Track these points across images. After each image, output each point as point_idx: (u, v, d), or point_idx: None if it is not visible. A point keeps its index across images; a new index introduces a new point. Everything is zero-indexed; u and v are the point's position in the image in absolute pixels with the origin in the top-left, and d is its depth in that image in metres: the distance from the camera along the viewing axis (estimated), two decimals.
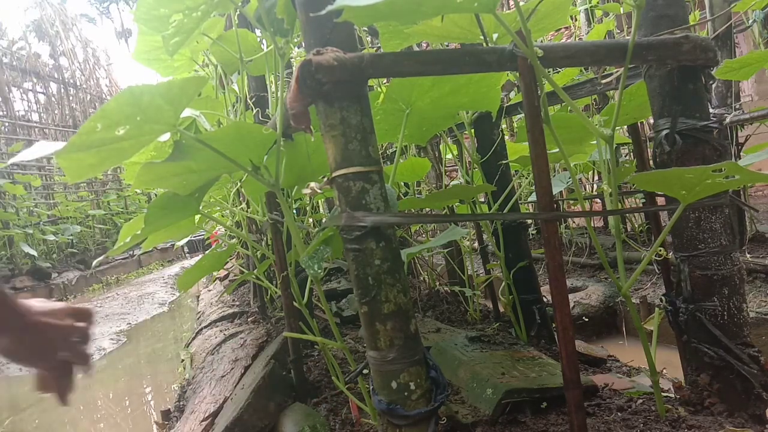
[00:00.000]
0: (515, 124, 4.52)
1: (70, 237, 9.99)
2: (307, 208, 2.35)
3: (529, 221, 3.05)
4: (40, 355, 0.86)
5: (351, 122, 0.84)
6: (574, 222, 4.33)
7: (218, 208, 2.65)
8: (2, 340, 0.83)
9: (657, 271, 1.25)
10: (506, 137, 2.32)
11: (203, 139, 0.97)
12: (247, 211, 2.14)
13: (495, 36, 1.12)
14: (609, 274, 1.25)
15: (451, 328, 1.89)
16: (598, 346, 1.80)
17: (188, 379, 2.49)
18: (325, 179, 0.92)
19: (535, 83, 0.87)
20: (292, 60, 2.29)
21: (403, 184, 2.38)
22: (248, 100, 1.79)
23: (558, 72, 2.69)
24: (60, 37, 13.69)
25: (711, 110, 1.07)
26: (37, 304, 0.84)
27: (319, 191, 1.19)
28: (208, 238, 5.76)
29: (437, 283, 2.62)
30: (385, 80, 1.95)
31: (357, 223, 0.83)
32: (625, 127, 1.74)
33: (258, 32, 1.79)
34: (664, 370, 1.54)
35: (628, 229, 3.97)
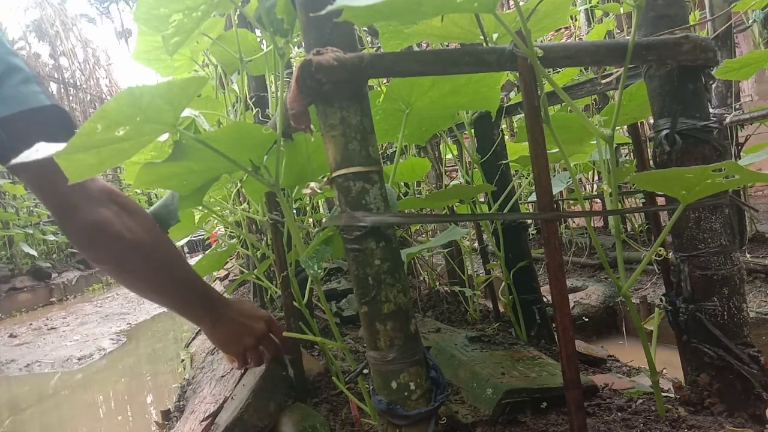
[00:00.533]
0: (515, 124, 4.53)
1: None
2: (307, 208, 2.35)
3: (529, 221, 3.04)
4: (226, 344, 1.13)
5: (351, 122, 0.84)
6: (574, 222, 4.33)
7: (218, 208, 2.65)
8: (204, 326, 1.09)
9: (657, 271, 1.25)
10: (506, 137, 2.32)
11: (203, 139, 0.97)
12: (247, 211, 2.14)
13: (495, 36, 1.12)
14: (609, 274, 1.25)
15: (451, 328, 1.89)
16: (598, 346, 1.80)
17: (188, 379, 2.49)
18: (325, 179, 0.92)
19: (535, 83, 0.87)
20: (292, 60, 2.30)
21: (403, 184, 2.38)
22: (248, 100, 1.79)
23: (558, 72, 2.69)
24: (60, 37, 13.69)
25: (711, 110, 1.07)
26: (243, 306, 1.16)
27: (319, 191, 1.19)
28: (208, 238, 5.76)
29: (437, 283, 2.62)
30: (385, 80, 1.95)
31: (357, 223, 0.83)
32: (625, 127, 1.74)
33: (258, 32, 1.80)
34: (664, 370, 1.54)
35: (628, 229, 3.97)
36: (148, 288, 1.12)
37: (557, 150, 1.02)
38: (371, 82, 1.91)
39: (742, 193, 3.09)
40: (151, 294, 1.12)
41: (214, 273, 4.62)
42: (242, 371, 1.79)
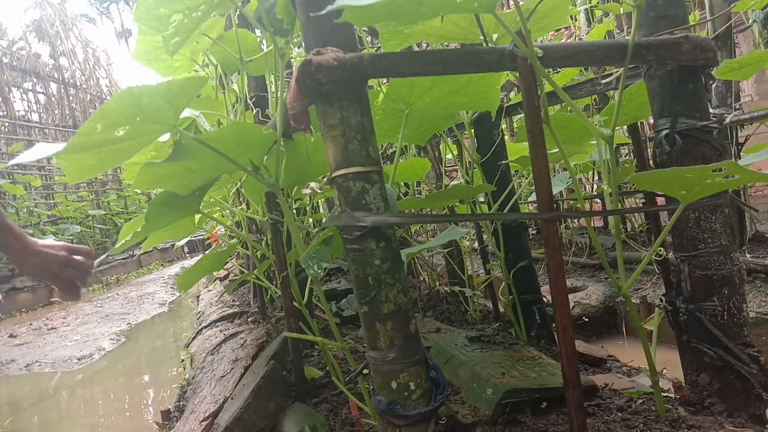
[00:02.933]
0: (515, 124, 4.52)
1: (70, 237, 9.98)
2: (307, 208, 2.35)
3: (529, 221, 3.04)
4: (39, 272, 1.32)
5: (351, 122, 0.84)
6: (574, 222, 4.33)
7: (218, 208, 2.64)
8: (12, 254, 1.29)
9: (657, 271, 1.25)
10: (506, 137, 2.32)
11: (203, 139, 0.97)
12: (247, 211, 2.14)
13: (495, 36, 1.12)
14: (609, 274, 1.25)
15: (451, 328, 1.89)
16: (598, 346, 1.79)
17: (188, 379, 2.49)
18: (325, 179, 0.92)
19: (535, 83, 0.87)
20: (292, 60, 2.29)
21: (403, 184, 2.38)
22: (248, 100, 1.79)
23: (558, 72, 2.69)
24: (60, 37, 13.69)
25: (711, 110, 1.07)
26: (43, 241, 1.33)
27: (319, 191, 1.19)
28: (208, 238, 5.76)
29: (437, 283, 2.61)
30: (385, 80, 1.95)
31: (357, 223, 0.83)
32: (625, 127, 1.73)
33: (258, 32, 1.79)
34: (664, 370, 1.54)
35: (628, 229, 3.97)
36: None
37: (557, 150, 1.02)
38: (371, 82, 1.91)
39: (742, 193, 3.09)
40: None
41: (214, 273, 4.61)
42: (242, 371, 1.79)
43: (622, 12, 3.50)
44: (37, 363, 4.34)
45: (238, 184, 1.81)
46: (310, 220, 3.02)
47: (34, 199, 10.12)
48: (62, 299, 1.45)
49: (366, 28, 1.95)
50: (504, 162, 1.77)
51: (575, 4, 4.08)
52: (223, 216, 3.13)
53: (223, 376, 1.89)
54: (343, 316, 2.38)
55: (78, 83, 13.74)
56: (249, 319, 2.76)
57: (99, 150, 0.84)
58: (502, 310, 2.04)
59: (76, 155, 0.83)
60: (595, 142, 1.52)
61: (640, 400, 1.18)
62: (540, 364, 1.33)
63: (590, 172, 4.10)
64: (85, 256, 1.38)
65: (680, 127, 1.03)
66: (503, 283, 1.74)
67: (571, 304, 2.92)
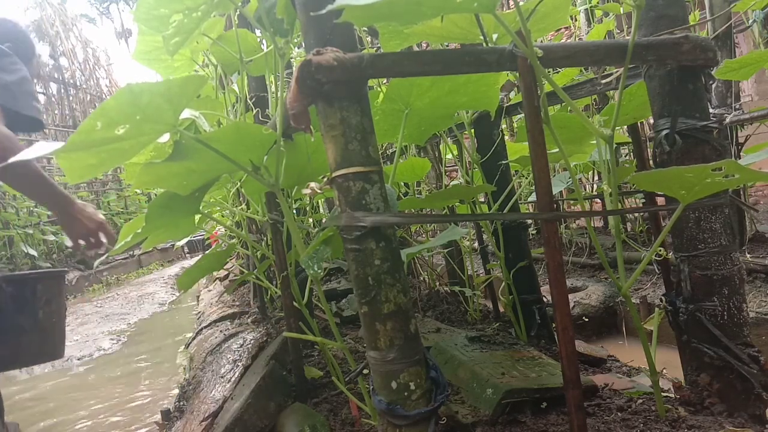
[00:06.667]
0: (515, 124, 4.52)
1: None
2: (307, 208, 2.35)
3: (529, 221, 3.05)
4: (80, 235, 1.68)
5: (351, 122, 0.84)
6: (574, 222, 4.33)
7: (218, 208, 2.64)
8: (61, 219, 1.65)
9: (657, 271, 1.25)
10: (506, 137, 2.32)
11: (203, 139, 0.97)
12: (247, 211, 2.14)
13: (495, 36, 1.12)
14: (609, 274, 1.25)
15: (451, 328, 1.89)
16: (598, 346, 1.79)
17: (188, 379, 2.48)
18: (325, 179, 0.92)
19: (535, 83, 0.87)
20: (292, 60, 2.29)
21: (403, 184, 2.38)
22: (248, 100, 1.79)
23: (558, 72, 2.69)
24: (60, 37, 13.70)
25: (711, 110, 1.07)
26: (86, 206, 1.69)
27: (319, 191, 1.19)
28: (208, 238, 5.76)
29: (437, 283, 2.61)
30: (385, 80, 1.95)
31: (357, 223, 0.83)
32: (625, 127, 1.74)
33: (258, 32, 1.79)
34: (664, 370, 1.54)
35: (628, 229, 3.97)
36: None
37: (557, 150, 1.02)
38: (371, 82, 1.91)
39: (741, 193, 3.09)
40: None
41: (214, 273, 4.61)
42: (242, 371, 1.80)
43: (622, 12, 3.50)
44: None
45: (238, 184, 1.81)
46: (310, 220, 3.01)
47: None
48: (88, 254, 1.79)
49: (366, 28, 1.95)
50: (504, 162, 1.77)
51: (575, 4, 4.08)
52: (223, 216, 3.13)
53: (223, 376, 1.88)
54: (343, 316, 2.38)
55: (78, 83, 13.75)
56: (249, 319, 2.76)
57: (99, 149, 0.84)
58: (502, 310, 2.04)
59: (76, 154, 0.83)
60: (595, 142, 1.52)
61: (640, 400, 1.18)
62: (540, 364, 1.33)
63: (590, 172, 4.10)
64: (108, 236, 1.75)
65: (680, 127, 1.03)
66: (503, 283, 1.74)
67: (571, 304, 2.92)
